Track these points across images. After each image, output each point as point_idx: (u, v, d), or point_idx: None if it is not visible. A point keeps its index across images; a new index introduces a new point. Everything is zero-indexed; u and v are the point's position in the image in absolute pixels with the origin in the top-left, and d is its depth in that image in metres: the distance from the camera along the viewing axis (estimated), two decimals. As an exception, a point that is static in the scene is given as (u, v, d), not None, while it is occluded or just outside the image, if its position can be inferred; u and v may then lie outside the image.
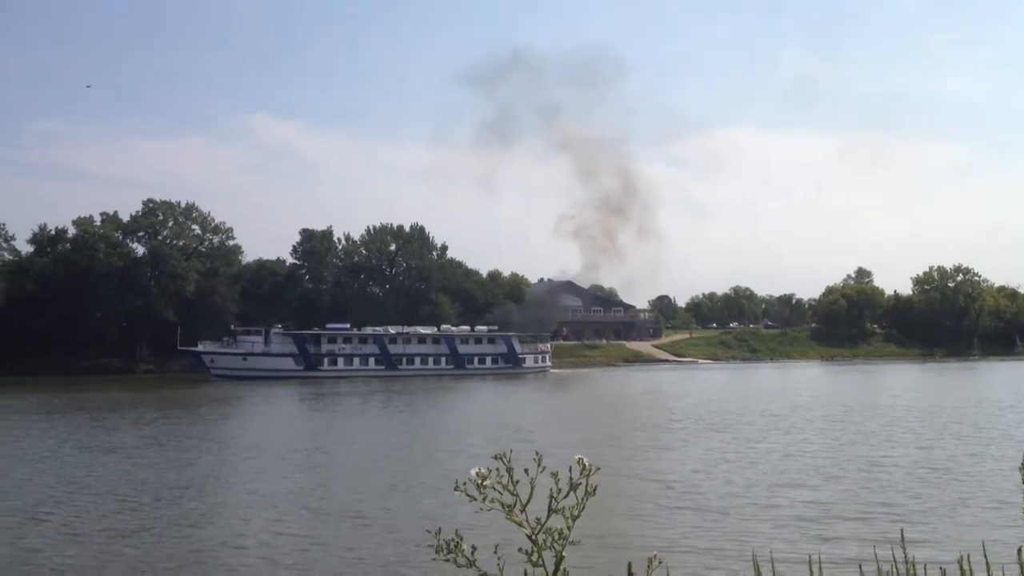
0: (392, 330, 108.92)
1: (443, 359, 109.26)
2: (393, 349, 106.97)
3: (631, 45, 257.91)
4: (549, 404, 69.24)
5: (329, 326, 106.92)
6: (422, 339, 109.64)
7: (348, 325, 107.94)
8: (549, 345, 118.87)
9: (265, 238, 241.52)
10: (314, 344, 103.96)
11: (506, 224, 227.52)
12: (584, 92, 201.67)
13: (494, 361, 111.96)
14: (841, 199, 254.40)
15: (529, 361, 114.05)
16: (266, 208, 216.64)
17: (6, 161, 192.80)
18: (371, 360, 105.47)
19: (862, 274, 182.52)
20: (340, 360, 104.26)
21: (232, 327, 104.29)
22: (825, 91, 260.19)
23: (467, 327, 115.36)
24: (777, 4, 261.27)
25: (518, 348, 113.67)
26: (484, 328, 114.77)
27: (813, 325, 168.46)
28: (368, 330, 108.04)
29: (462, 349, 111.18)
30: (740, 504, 26.07)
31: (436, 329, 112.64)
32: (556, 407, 65.51)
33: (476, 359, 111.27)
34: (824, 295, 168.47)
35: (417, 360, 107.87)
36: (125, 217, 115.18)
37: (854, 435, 43.00)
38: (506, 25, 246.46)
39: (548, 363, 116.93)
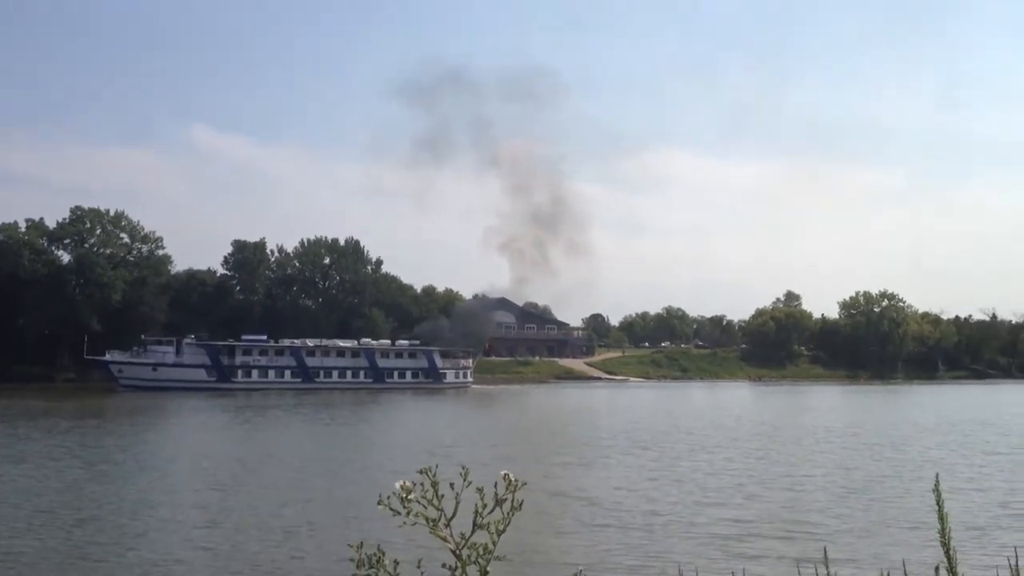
0: (310, 342, 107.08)
1: (362, 372, 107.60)
2: (311, 362, 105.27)
3: (571, 64, 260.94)
4: (474, 420, 68.99)
5: (245, 337, 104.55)
6: (341, 352, 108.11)
7: (265, 337, 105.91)
8: (471, 361, 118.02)
9: (200, 250, 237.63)
10: (228, 355, 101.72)
11: (440, 239, 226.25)
12: (521, 109, 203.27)
13: (414, 376, 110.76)
14: (774, 222, 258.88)
15: (450, 376, 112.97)
16: (202, 219, 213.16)
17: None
18: (287, 373, 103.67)
19: (791, 297, 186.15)
20: (255, 372, 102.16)
21: (143, 336, 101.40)
22: (763, 114, 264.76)
23: (388, 341, 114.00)
24: (719, 27, 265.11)
25: (439, 363, 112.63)
26: (405, 342, 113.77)
27: (743, 346, 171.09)
28: (285, 342, 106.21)
29: (381, 363, 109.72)
30: (663, 522, 26.22)
31: (356, 342, 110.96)
32: (482, 423, 65.28)
33: (396, 373, 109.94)
34: (754, 317, 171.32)
35: (335, 373, 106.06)
36: (52, 224, 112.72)
37: (778, 455, 43.65)
38: (444, 40, 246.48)
39: (470, 379, 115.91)
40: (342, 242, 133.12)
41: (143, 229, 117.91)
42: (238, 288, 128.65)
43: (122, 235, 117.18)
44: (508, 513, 2.96)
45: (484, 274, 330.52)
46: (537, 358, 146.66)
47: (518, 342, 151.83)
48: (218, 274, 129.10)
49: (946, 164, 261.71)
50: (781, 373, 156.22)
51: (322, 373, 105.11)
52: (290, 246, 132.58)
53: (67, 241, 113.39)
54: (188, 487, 32.55)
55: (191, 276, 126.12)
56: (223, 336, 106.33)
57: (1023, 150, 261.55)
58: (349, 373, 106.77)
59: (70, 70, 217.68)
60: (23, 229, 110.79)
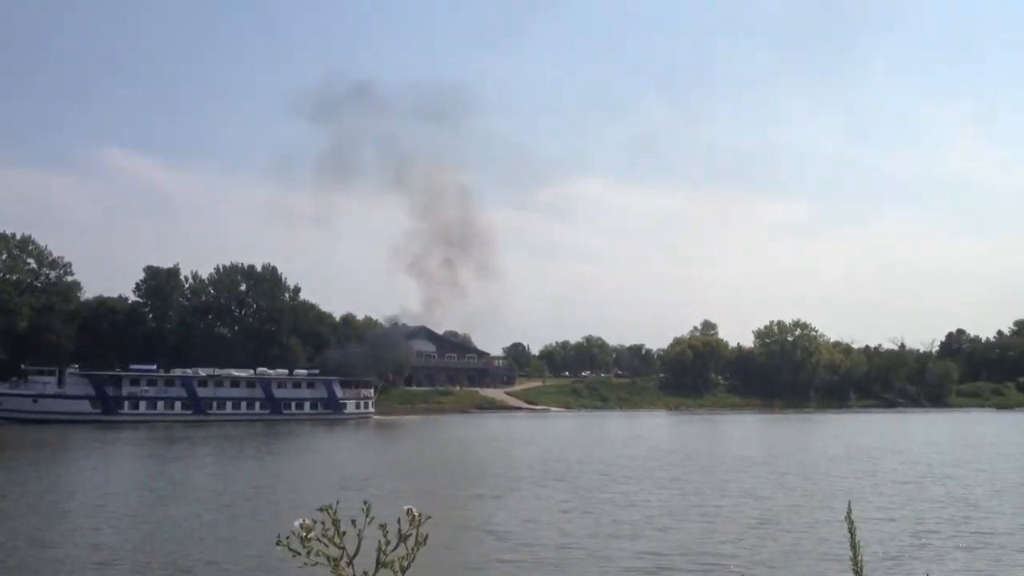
0: (202, 372, 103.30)
1: (257, 403, 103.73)
2: (203, 392, 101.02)
3: (484, 85, 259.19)
4: (385, 452, 68.12)
5: (133, 367, 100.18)
6: (235, 382, 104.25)
7: (155, 366, 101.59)
8: (372, 391, 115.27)
9: (111, 276, 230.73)
10: (114, 386, 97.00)
11: (348, 263, 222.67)
12: (430, 128, 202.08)
13: (313, 406, 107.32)
14: (689, 251, 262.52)
15: (351, 407, 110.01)
16: (113, 245, 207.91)
17: None
18: (177, 404, 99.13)
19: (708, 326, 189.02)
20: (142, 403, 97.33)
21: (23, 366, 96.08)
22: (677, 144, 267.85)
23: (285, 370, 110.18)
24: (635, 55, 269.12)
25: (339, 393, 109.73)
26: (303, 372, 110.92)
27: (661, 375, 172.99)
28: (176, 371, 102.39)
29: (278, 393, 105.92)
30: (577, 556, 26.09)
31: (252, 372, 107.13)
32: (393, 455, 64.43)
33: (293, 404, 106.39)
34: (672, 346, 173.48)
35: (229, 404, 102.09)
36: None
37: (691, 485, 44.02)
38: (351, 57, 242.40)
39: (371, 409, 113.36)
40: (259, 268, 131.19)
41: (51, 254, 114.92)
42: (151, 316, 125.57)
43: (29, 260, 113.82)
44: (412, 549, 2.84)
45: (394, 298, 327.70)
46: (458, 387, 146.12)
47: (438, 371, 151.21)
48: (130, 301, 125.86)
49: (855, 197, 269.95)
50: (699, 402, 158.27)
51: (215, 404, 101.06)
52: (204, 272, 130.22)
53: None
54: (86, 525, 31.26)
55: (101, 303, 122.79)
56: (126, 366, 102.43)
57: (928, 186, 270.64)
58: (244, 404, 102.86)
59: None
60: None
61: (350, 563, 2.80)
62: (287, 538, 2.79)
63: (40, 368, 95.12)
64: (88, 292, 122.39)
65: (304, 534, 2.77)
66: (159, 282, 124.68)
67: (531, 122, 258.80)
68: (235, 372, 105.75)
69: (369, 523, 2.83)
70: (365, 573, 2.73)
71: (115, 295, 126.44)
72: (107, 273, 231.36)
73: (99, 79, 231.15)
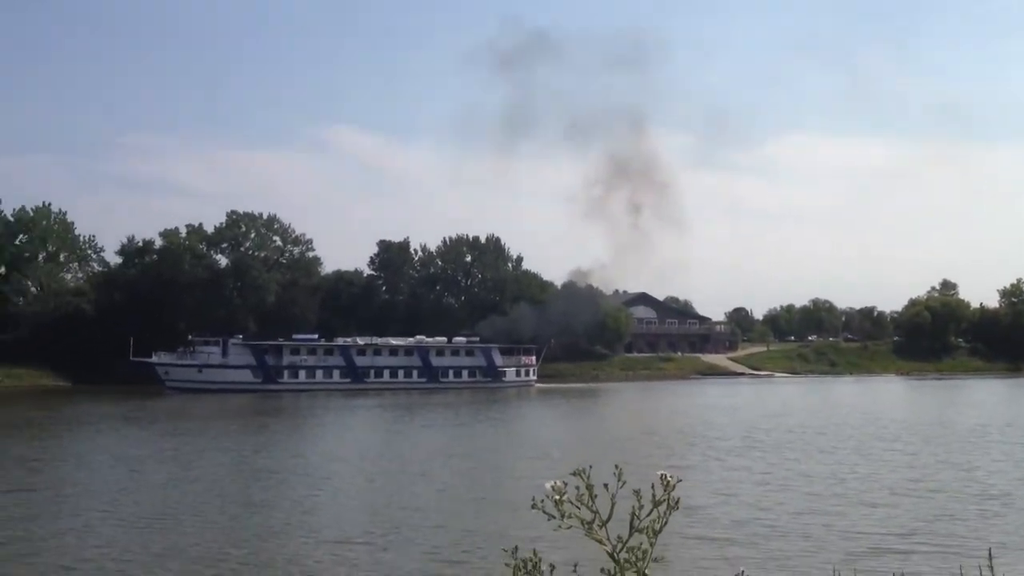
0: (360, 341, 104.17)
1: (414, 372, 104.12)
2: (360, 361, 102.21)
3: (674, 32, 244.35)
4: (565, 424, 65.73)
5: (295, 336, 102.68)
6: (393, 351, 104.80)
7: (316, 336, 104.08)
8: (534, 358, 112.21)
9: (343, 250, 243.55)
10: (274, 356, 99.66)
11: (528, 223, 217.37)
12: (615, 80, 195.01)
13: (471, 374, 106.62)
14: (918, 206, 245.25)
15: (511, 375, 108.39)
16: (345, 220, 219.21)
17: (97, 174, 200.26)
18: (336, 373, 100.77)
19: (947, 286, 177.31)
20: (302, 373, 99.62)
21: (190, 336, 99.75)
22: (895, 93, 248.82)
23: (443, 338, 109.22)
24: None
25: (499, 360, 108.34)
26: (462, 339, 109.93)
27: (895, 339, 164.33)
28: (339, 341, 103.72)
29: (436, 361, 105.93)
30: (762, 533, 24.90)
31: (410, 340, 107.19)
32: (571, 427, 62.53)
33: (451, 372, 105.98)
34: (907, 308, 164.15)
35: (386, 373, 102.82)
36: (210, 229, 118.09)
37: (911, 457, 41.02)
38: (527, 3, 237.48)
39: (533, 377, 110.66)
40: (483, 239, 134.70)
41: (294, 232, 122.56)
42: (384, 288, 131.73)
43: (275, 238, 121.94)
44: (665, 513, 2.90)
45: (573, 256, 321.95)
46: (679, 354, 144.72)
47: (659, 337, 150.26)
48: (365, 274, 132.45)
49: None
50: (937, 366, 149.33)
51: (372, 373, 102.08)
52: (432, 245, 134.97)
53: (224, 245, 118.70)
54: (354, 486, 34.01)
55: (339, 277, 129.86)
56: (374, 335, 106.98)
57: None
58: (401, 372, 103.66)
59: (210, 74, 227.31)
60: (184, 235, 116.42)
61: (603, 526, 2.90)
62: (542, 501, 2.93)
63: (206, 339, 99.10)
64: (326, 267, 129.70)
65: (558, 497, 2.90)
66: (391, 255, 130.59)
67: (729, 73, 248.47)
68: (393, 340, 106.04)
69: (621, 487, 2.92)
70: (619, 537, 2.82)
71: (351, 269, 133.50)
72: (340, 248, 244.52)
73: (332, 61, 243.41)
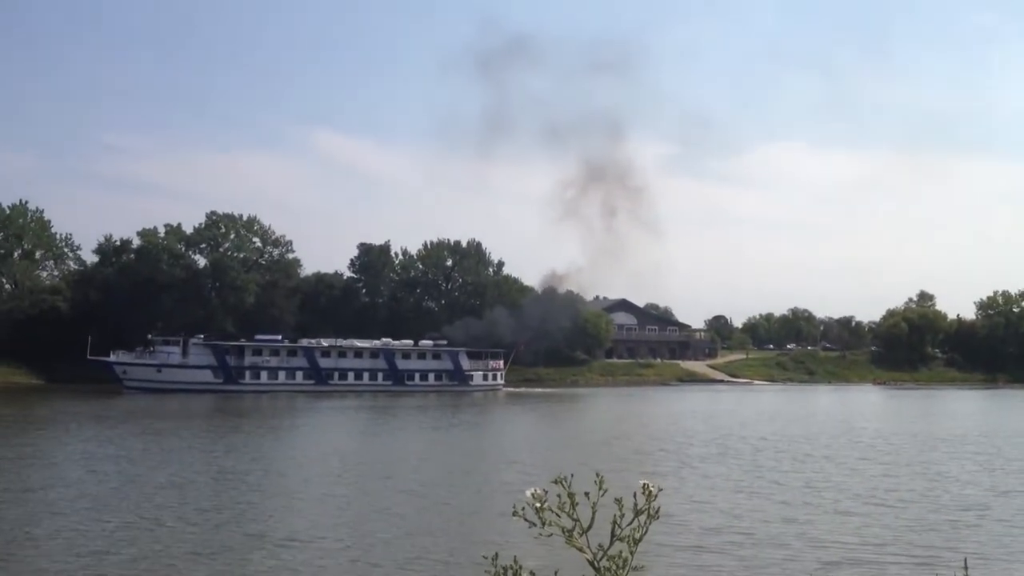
0: (324, 342, 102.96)
1: (380, 374, 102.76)
2: (324, 363, 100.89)
3: (655, 40, 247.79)
4: (534, 428, 64.90)
5: (257, 337, 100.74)
6: (358, 353, 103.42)
7: (279, 337, 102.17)
8: (501, 362, 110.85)
9: (323, 252, 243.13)
10: (236, 356, 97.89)
11: (504, 227, 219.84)
12: (595, 86, 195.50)
13: (437, 378, 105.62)
14: (897, 218, 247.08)
15: (477, 378, 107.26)
16: (325, 222, 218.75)
17: (76, 173, 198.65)
18: (299, 374, 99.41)
19: (924, 297, 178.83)
20: (264, 373, 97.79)
21: (149, 336, 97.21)
22: (872, 103, 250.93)
23: (410, 341, 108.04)
24: (825, 10, 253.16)
25: (465, 364, 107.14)
26: (428, 342, 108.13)
27: (873, 348, 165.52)
28: (304, 342, 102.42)
29: (401, 364, 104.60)
30: (736, 541, 25.16)
31: (375, 342, 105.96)
32: (541, 432, 61.64)
33: (417, 375, 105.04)
34: (885, 318, 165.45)
35: (351, 375, 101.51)
36: (189, 229, 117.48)
37: (883, 467, 40.94)
38: (506, 7, 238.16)
39: (500, 381, 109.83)
40: (464, 244, 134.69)
41: (274, 233, 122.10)
42: (364, 291, 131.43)
43: (254, 239, 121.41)
44: (645, 522, 2.89)
45: (548, 260, 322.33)
46: (659, 360, 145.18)
47: (639, 344, 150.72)
48: (344, 277, 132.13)
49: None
50: (914, 376, 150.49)
51: (336, 375, 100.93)
52: (413, 248, 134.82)
53: (203, 246, 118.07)
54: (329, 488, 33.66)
55: (319, 279, 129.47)
56: (348, 338, 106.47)
57: None
58: (367, 375, 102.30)
59: (192, 76, 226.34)
60: (162, 234, 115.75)
61: (583, 534, 2.88)
62: (522, 509, 2.90)
63: (166, 338, 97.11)
64: (306, 269, 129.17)
65: (539, 505, 2.87)
66: (371, 258, 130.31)
67: (709, 80, 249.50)
68: (358, 343, 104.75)
69: (602, 495, 2.90)
70: (600, 545, 2.80)
71: (331, 271, 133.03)
72: (320, 250, 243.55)
73: (314, 62, 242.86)
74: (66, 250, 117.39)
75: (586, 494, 2.84)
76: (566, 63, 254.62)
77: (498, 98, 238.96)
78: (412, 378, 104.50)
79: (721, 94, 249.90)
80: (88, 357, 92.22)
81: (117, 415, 63.98)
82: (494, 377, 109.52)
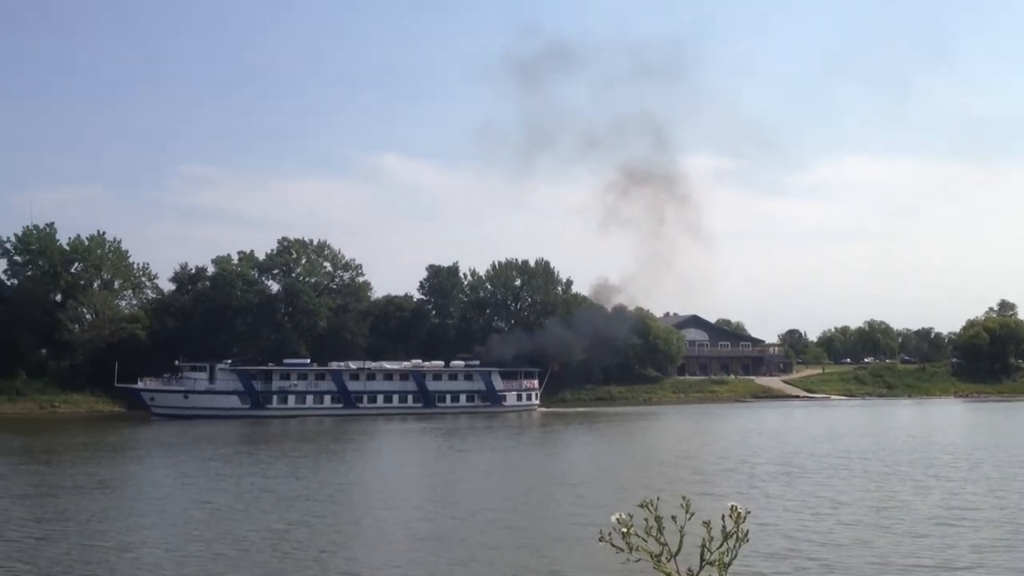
0: (353, 365, 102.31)
1: (410, 396, 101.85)
2: (353, 386, 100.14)
3: (702, 45, 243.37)
4: (576, 450, 63.48)
5: (285, 361, 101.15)
6: (388, 375, 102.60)
7: (308, 360, 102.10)
8: (535, 381, 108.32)
9: (392, 275, 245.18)
10: (263, 381, 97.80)
11: (548, 240, 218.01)
12: (641, 94, 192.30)
13: (469, 399, 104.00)
14: (972, 226, 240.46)
15: (511, 399, 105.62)
16: (393, 245, 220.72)
17: (152, 204, 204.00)
18: (327, 398, 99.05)
19: (1005, 306, 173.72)
20: (291, 398, 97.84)
21: (176, 362, 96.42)
22: (937, 111, 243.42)
23: (440, 362, 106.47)
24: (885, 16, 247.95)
25: (498, 384, 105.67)
26: (460, 363, 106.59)
27: (954, 360, 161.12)
28: (332, 365, 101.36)
29: (432, 386, 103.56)
30: (791, 564, 24.30)
31: (405, 364, 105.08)
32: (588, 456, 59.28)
33: (448, 396, 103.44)
34: (965, 329, 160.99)
35: (380, 398, 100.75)
36: (261, 255, 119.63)
37: (956, 484, 39.99)
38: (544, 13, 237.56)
39: (535, 401, 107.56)
40: (532, 263, 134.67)
41: (344, 257, 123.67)
42: (433, 312, 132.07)
43: (325, 263, 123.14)
44: (735, 546, 2.82)
45: (591, 271, 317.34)
46: (732, 376, 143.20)
47: (711, 360, 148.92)
48: (414, 299, 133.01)
49: None
50: (997, 388, 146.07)
51: (365, 398, 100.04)
52: (481, 269, 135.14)
53: (275, 271, 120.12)
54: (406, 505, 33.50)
55: (389, 302, 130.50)
56: (424, 360, 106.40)
57: None
58: (396, 397, 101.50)
59: (260, 107, 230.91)
60: (236, 261, 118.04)
61: (671, 559, 2.82)
62: (608, 534, 2.85)
63: (193, 364, 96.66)
64: (376, 292, 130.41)
65: (625, 529, 2.82)
66: (440, 280, 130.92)
67: (767, 90, 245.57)
68: (387, 364, 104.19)
69: (689, 519, 2.84)
70: (690, 570, 2.74)
71: (400, 293, 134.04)
72: (389, 273, 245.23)
73: (380, 91, 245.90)
74: (143, 279, 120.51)
75: (673, 518, 2.79)
76: (617, 71, 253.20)
77: (538, 107, 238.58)
78: (443, 399, 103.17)
79: (780, 104, 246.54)
80: (116, 384, 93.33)
81: (143, 445, 64.18)
82: (528, 397, 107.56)
